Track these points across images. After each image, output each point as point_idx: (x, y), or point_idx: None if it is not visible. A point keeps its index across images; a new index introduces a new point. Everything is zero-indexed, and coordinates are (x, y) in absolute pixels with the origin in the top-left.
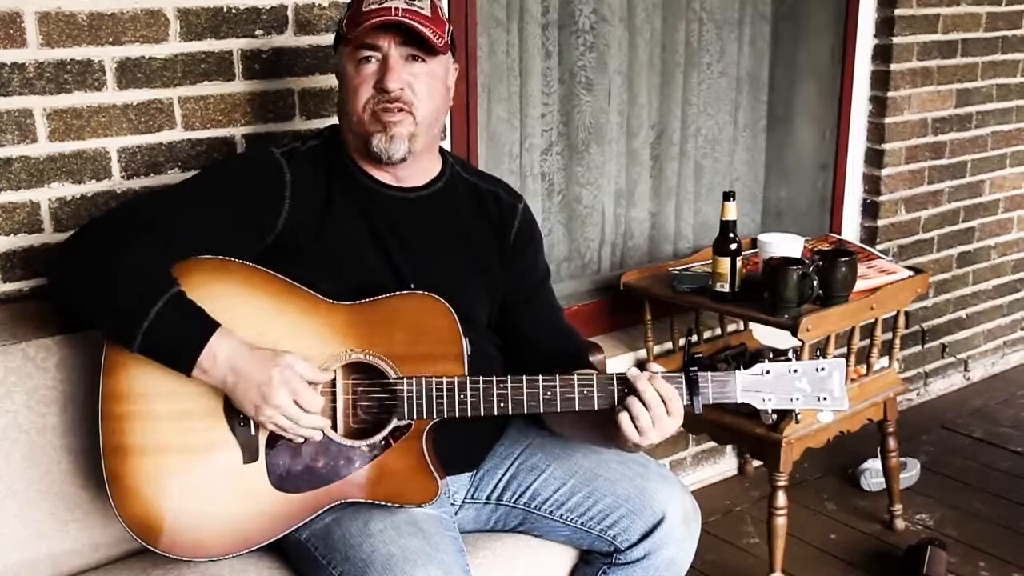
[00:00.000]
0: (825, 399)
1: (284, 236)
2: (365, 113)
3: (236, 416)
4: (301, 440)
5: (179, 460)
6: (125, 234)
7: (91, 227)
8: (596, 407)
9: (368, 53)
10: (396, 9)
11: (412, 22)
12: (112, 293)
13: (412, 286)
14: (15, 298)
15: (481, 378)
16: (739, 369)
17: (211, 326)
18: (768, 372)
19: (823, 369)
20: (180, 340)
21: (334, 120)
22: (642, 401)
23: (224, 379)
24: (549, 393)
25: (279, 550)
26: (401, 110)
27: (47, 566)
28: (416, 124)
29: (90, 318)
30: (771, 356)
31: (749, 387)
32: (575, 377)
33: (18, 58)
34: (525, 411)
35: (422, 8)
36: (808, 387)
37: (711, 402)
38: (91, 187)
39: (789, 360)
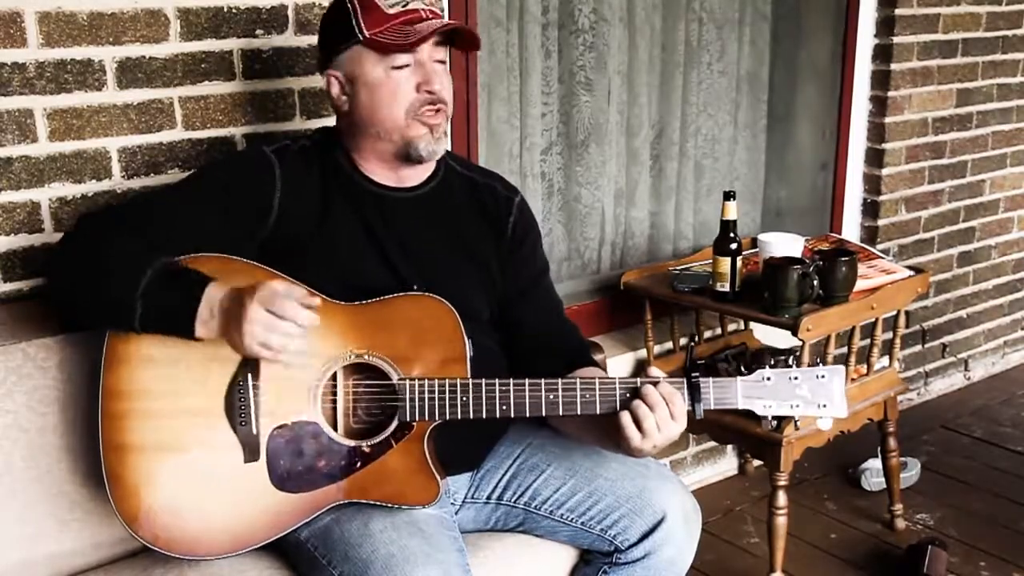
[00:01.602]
0: (824, 406)
1: (277, 234)
2: (408, 117)
3: (237, 415)
4: (289, 357)
5: (179, 458)
6: (117, 230)
7: (83, 225)
8: (598, 411)
9: (407, 59)
10: (425, 11)
11: (457, 24)
12: (104, 281)
13: (415, 287)
14: (15, 298)
15: (483, 380)
16: (740, 369)
17: (204, 279)
18: (769, 379)
19: (823, 376)
20: (177, 300)
21: (333, 121)
22: (646, 404)
23: (220, 324)
24: (551, 396)
25: (279, 550)
26: (439, 110)
27: (47, 566)
28: (447, 120)
29: (86, 313)
30: (772, 357)
31: (750, 393)
32: (577, 381)
33: (18, 58)
34: (527, 414)
35: (433, 5)
36: (808, 394)
37: (712, 408)
38: (91, 187)
39: (790, 367)
